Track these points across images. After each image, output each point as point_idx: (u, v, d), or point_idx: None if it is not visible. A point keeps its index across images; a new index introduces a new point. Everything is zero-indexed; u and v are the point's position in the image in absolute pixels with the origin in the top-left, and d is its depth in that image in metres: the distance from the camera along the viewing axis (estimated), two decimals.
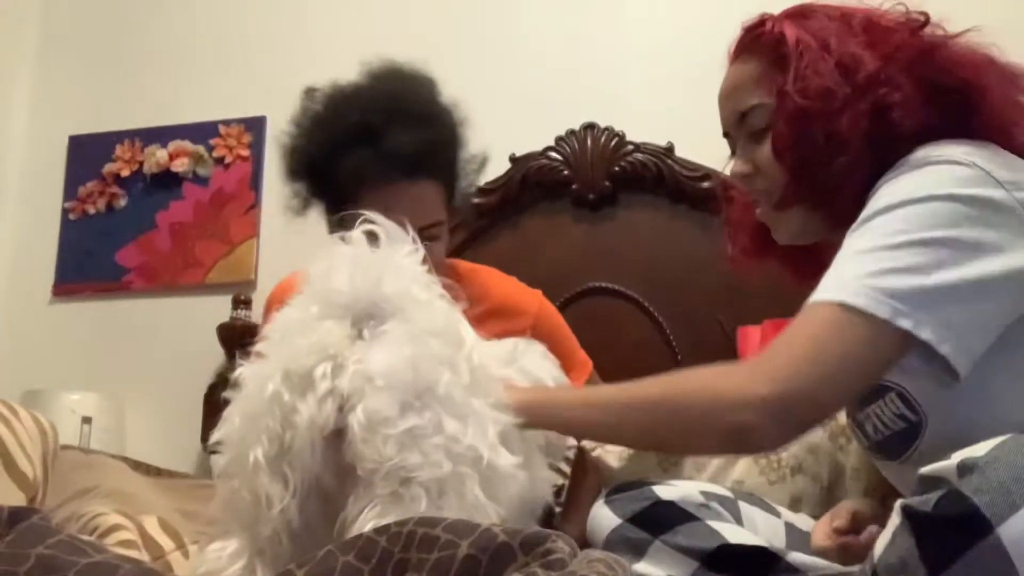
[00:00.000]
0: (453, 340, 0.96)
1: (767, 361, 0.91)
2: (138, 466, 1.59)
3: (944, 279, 0.87)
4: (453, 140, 1.48)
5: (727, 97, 1.12)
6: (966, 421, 0.92)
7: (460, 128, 1.52)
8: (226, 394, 0.96)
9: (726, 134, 1.14)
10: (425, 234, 1.43)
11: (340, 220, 1.39)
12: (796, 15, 1.08)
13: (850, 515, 1.12)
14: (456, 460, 0.87)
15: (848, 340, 0.88)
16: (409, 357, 0.89)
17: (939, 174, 0.92)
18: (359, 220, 1.01)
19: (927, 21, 1.04)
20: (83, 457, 1.58)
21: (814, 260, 1.09)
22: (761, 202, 1.11)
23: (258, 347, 0.97)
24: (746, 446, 1.00)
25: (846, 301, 0.89)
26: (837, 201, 1.02)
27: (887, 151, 0.98)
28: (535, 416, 1.01)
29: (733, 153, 1.14)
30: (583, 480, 1.50)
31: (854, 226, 0.95)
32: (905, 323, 0.87)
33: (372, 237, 1.00)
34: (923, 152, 0.95)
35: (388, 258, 0.98)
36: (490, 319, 1.52)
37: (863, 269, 0.90)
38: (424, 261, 1.03)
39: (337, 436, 0.89)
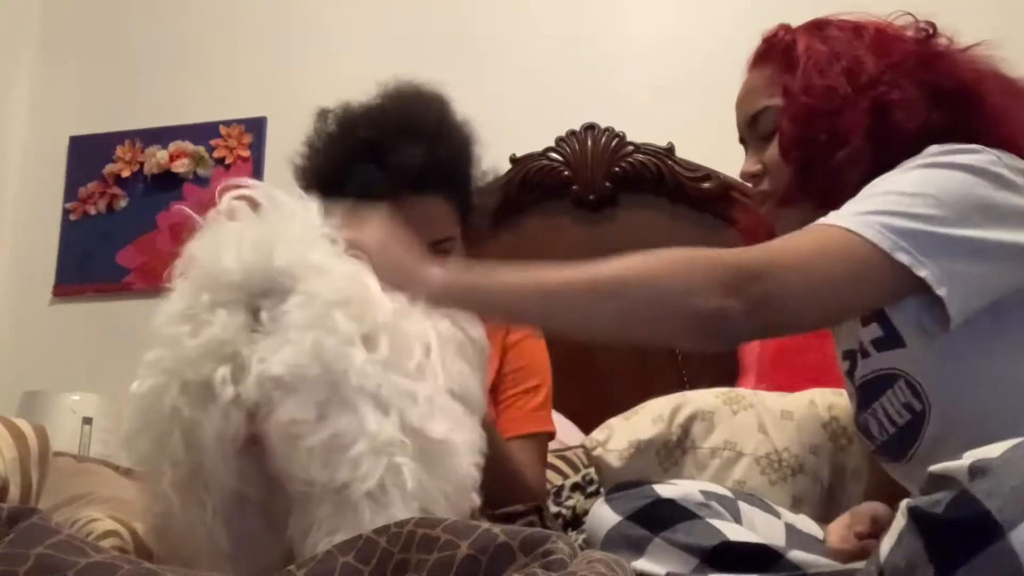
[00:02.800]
0: (360, 308, 0.84)
1: (756, 253, 0.93)
2: (129, 472, 1.59)
3: (949, 232, 0.91)
4: (463, 156, 1.48)
5: (741, 102, 1.17)
6: (967, 406, 0.95)
7: (471, 145, 1.52)
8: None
9: (742, 140, 1.18)
10: (436, 250, 1.44)
11: None
12: (811, 27, 1.13)
13: (871, 519, 1.13)
14: (387, 454, 0.79)
15: (843, 259, 0.91)
16: (312, 348, 0.79)
17: (958, 156, 0.96)
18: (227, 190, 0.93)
19: (935, 32, 1.09)
20: (76, 464, 1.58)
21: None
22: (767, 202, 1.14)
23: (149, 353, 0.87)
24: (717, 333, 0.93)
25: (852, 228, 0.92)
26: (838, 197, 1.03)
27: (888, 150, 1.01)
28: (461, 299, 0.97)
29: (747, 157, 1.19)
30: None
31: (871, 183, 0.98)
32: (904, 258, 0.90)
33: (255, 206, 0.91)
34: (937, 147, 0.99)
35: (277, 225, 0.88)
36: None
37: (872, 206, 0.93)
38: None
39: (252, 444, 0.81)
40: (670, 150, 2.20)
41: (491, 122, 2.32)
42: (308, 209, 0.91)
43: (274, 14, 2.65)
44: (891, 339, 1.02)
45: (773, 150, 1.10)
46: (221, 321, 0.83)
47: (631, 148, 2.22)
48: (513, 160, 2.27)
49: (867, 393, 1.08)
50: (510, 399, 1.50)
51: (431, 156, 1.41)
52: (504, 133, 2.29)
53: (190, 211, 1.02)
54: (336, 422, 0.79)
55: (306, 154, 1.52)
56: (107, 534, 1.08)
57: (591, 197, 2.22)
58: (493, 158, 2.22)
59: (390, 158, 1.40)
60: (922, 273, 0.90)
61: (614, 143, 2.23)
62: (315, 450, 0.78)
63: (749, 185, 1.20)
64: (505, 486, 1.27)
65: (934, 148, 0.99)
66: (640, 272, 0.94)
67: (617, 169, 2.21)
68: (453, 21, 2.50)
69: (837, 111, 1.03)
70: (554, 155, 2.26)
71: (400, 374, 0.83)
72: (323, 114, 1.50)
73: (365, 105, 1.49)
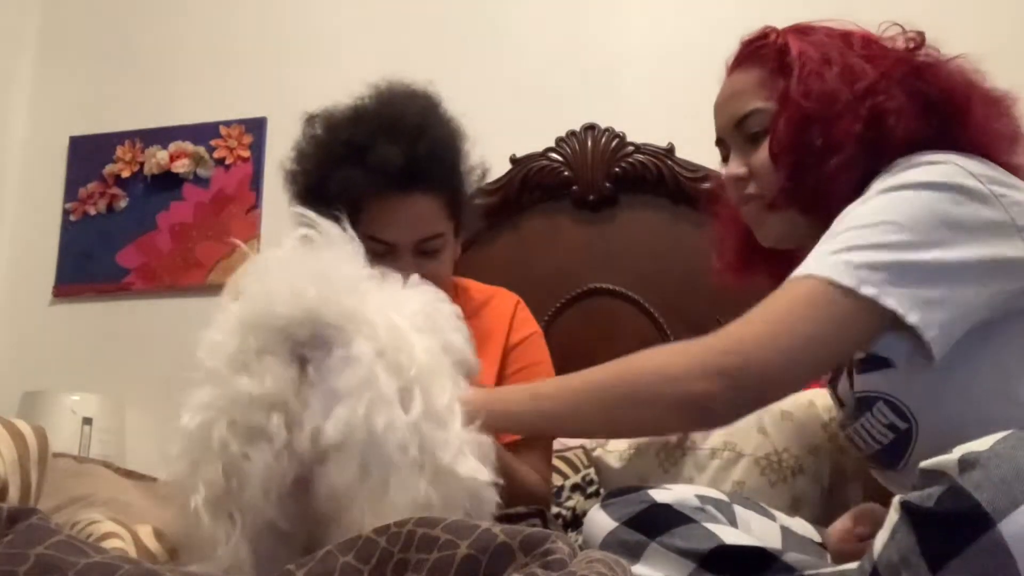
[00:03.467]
0: (397, 359, 0.91)
1: (727, 333, 0.94)
2: (130, 474, 1.58)
3: (917, 257, 0.90)
4: (448, 152, 1.48)
5: (725, 103, 1.15)
6: (956, 421, 0.93)
7: (457, 140, 1.52)
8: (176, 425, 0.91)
9: (719, 141, 1.17)
10: (424, 247, 1.45)
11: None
12: (798, 30, 1.12)
13: (873, 520, 1.13)
14: (424, 506, 0.86)
15: (811, 312, 0.91)
16: (361, 414, 0.86)
17: (916, 171, 0.96)
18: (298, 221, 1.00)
19: (923, 42, 1.08)
20: (76, 466, 1.58)
21: None
22: (751, 204, 1.13)
23: (196, 375, 0.93)
24: (703, 417, 0.99)
25: (815, 273, 0.92)
26: (827, 204, 1.04)
27: (878, 157, 1.02)
28: (487, 420, 1.01)
29: (724, 160, 1.17)
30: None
31: (838, 217, 0.98)
32: (869, 291, 0.89)
33: (309, 240, 0.98)
34: (903, 160, 0.99)
35: (326, 269, 0.94)
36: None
37: (836, 245, 0.93)
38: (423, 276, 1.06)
39: (296, 485, 0.87)
40: (670, 150, 2.20)
41: (491, 122, 2.33)
42: (355, 249, 0.99)
43: (274, 14, 2.65)
44: (874, 361, 1.00)
45: (762, 153, 1.09)
46: (272, 372, 0.89)
47: (631, 148, 2.22)
48: (513, 160, 2.27)
49: (849, 409, 1.07)
50: None
51: (411, 154, 1.41)
52: (504, 133, 2.30)
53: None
54: (380, 476, 0.86)
55: (293, 158, 1.53)
56: (107, 536, 1.08)
57: (591, 197, 2.22)
58: (493, 158, 2.24)
59: (369, 158, 1.41)
60: (888, 303, 0.89)
61: (614, 143, 2.23)
62: (358, 501, 0.85)
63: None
64: (510, 492, 1.27)
65: (900, 161, 0.99)
66: (642, 368, 0.99)
67: (617, 169, 2.21)
68: (453, 21, 2.50)
69: (835, 117, 1.03)
70: (554, 155, 2.26)
71: (433, 422, 0.90)
72: (310, 119, 1.52)
73: (348, 107, 1.50)
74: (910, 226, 0.91)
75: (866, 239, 0.92)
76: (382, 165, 1.40)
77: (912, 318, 0.89)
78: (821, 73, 1.05)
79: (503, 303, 1.62)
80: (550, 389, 1.05)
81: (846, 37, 1.09)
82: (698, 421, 1.02)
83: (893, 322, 0.91)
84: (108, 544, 1.05)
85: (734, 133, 1.14)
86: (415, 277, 1.15)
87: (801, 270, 0.95)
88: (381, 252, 1.45)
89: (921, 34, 1.09)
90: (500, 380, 1.52)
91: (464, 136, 1.54)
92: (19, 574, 0.64)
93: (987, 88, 1.06)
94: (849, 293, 0.90)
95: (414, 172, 1.42)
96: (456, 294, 1.60)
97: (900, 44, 1.09)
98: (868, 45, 1.08)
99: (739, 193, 1.14)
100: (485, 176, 1.61)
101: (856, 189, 1.01)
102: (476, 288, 1.66)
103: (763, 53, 1.12)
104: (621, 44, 2.39)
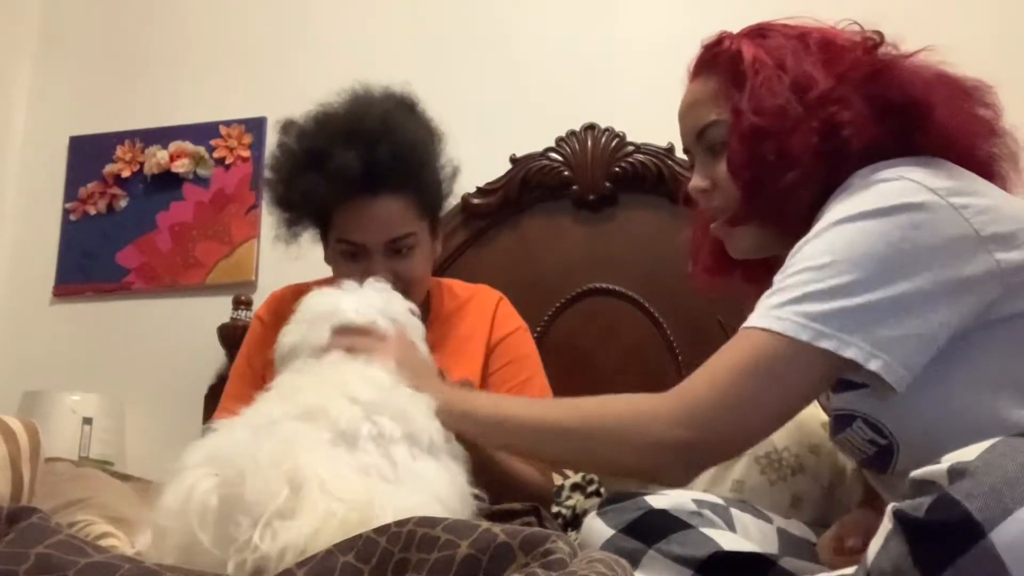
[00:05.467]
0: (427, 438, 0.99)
1: (685, 401, 0.94)
2: (127, 478, 1.59)
3: (870, 298, 0.89)
4: (413, 153, 1.49)
5: (686, 113, 1.14)
6: (936, 435, 0.91)
7: (426, 141, 1.53)
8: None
9: (686, 150, 1.16)
10: (394, 247, 1.46)
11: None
12: (754, 34, 1.10)
13: (863, 531, 1.12)
14: None
15: (770, 368, 0.91)
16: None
17: (867, 195, 0.94)
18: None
19: (881, 41, 1.06)
20: (73, 469, 1.58)
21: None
22: (717, 217, 1.12)
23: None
24: (655, 482, 1.07)
25: (769, 327, 0.91)
26: (787, 218, 1.03)
27: (837, 168, 0.99)
28: (454, 422, 1.06)
29: (691, 168, 1.16)
30: None
31: (791, 252, 0.97)
32: (827, 344, 0.88)
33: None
34: (858, 177, 0.97)
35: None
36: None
37: (788, 295, 0.92)
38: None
39: None
40: (670, 150, 2.20)
41: (491, 122, 2.34)
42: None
43: (274, 14, 2.65)
44: (847, 382, 0.99)
45: (723, 166, 1.08)
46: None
47: (631, 148, 2.22)
48: (513, 160, 2.27)
49: (832, 423, 1.06)
50: (508, 391, 1.50)
51: (371, 158, 1.44)
52: (504, 133, 2.30)
53: None
54: None
55: (268, 165, 1.58)
56: (104, 536, 1.08)
57: (591, 197, 2.22)
58: (493, 158, 2.24)
59: (328, 166, 1.44)
60: (848, 354, 0.88)
61: (614, 143, 2.23)
62: None
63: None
64: (511, 488, 1.27)
65: (855, 178, 0.96)
66: (606, 421, 1.01)
67: (617, 169, 2.21)
68: (453, 21, 2.50)
69: (787, 132, 1.00)
70: (554, 155, 2.26)
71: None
72: (285, 126, 1.55)
73: (314, 114, 1.53)
74: (864, 263, 0.90)
75: (818, 284, 0.90)
76: (341, 172, 1.43)
77: (873, 366, 0.88)
78: (772, 85, 1.02)
79: (485, 300, 1.63)
80: (516, 420, 1.08)
81: (803, 38, 1.06)
82: (651, 482, 1.08)
83: (851, 367, 0.90)
84: (104, 544, 1.05)
85: (695, 144, 1.12)
86: (371, 280, 1.24)
87: (756, 321, 0.93)
88: (353, 253, 1.49)
89: (879, 33, 1.06)
90: (484, 377, 1.53)
91: (437, 136, 1.56)
92: (19, 573, 0.64)
93: (956, 80, 1.03)
94: (806, 348, 0.89)
95: (376, 175, 1.45)
96: (438, 293, 1.61)
97: (858, 43, 1.05)
98: (825, 47, 1.04)
99: (706, 204, 1.13)
100: (456, 174, 1.62)
101: (817, 201, 0.99)
102: (459, 286, 1.68)
103: (718, 61, 1.10)
104: (621, 44, 2.39)
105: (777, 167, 1.01)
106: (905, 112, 1.00)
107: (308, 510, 0.78)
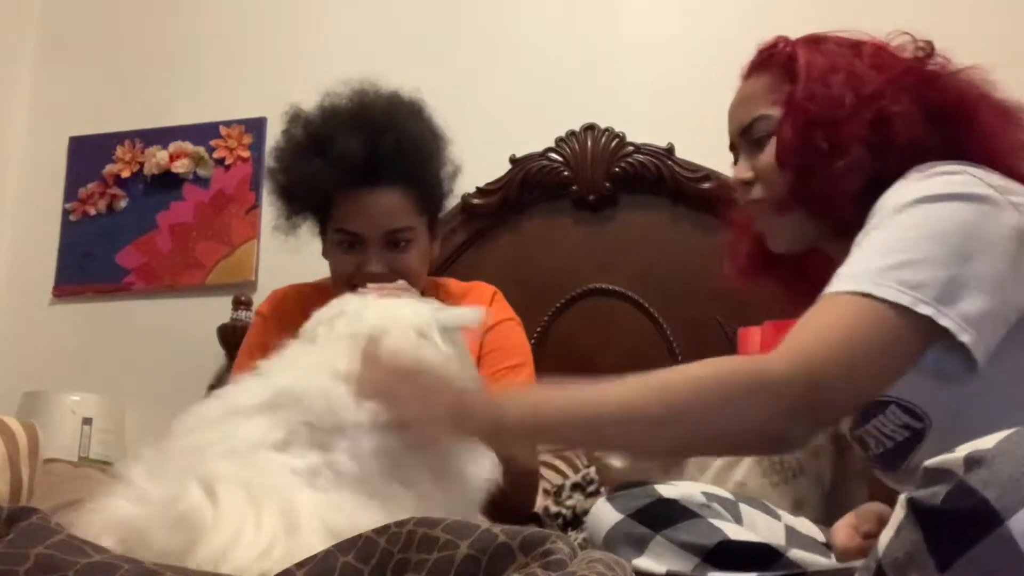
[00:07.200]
0: None
1: (800, 360, 0.90)
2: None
3: (957, 273, 0.90)
4: (417, 149, 1.50)
5: (736, 109, 1.16)
6: (968, 425, 0.91)
7: (430, 139, 1.54)
8: None
9: (732, 146, 1.18)
10: (392, 239, 1.46)
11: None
12: (809, 41, 1.12)
13: (877, 519, 1.13)
14: None
15: (875, 329, 0.89)
16: None
17: (934, 182, 0.96)
18: None
19: (932, 51, 1.08)
20: (72, 470, 1.59)
21: (808, 281, 1.12)
22: (760, 209, 1.13)
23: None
24: (776, 447, 1.02)
25: (869, 291, 0.90)
26: (833, 207, 1.04)
27: (884, 161, 1.01)
28: (533, 435, 1.01)
29: (736, 163, 1.17)
30: None
31: (865, 230, 0.97)
32: (927, 310, 0.88)
33: None
34: (917, 171, 0.98)
35: None
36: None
37: (881, 262, 0.92)
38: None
39: None
40: (670, 150, 2.20)
41: (491, 122, 2.34)
42: None
43: (274, 14, 2.65)
44: None
45: (767, 156, 1.10)
46: None
47: (631, 148, 2.22)
48: (513, 160, 2.27)
49: (859, 413, 1.07)
50: (494, 375, 1.51)
51: (375, 148, 1.44)
52: (504, 133, 2.30)
53: None
54: None
55: (272, 156, 1.58)
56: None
57: (591, 197, 2.22)
58: (493, 158, 2.24)
59: (331, 152, 1.44)
60: (944, 322, 0.88)
61: (614, 143, 2.23)
62: None
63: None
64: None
65: (915, 174, 0.98)
66: (694, 401, 0.91)
67: (617, 169, 2.21)
68: (453, 21, 2.50)
69: (840, 120, 1.03)
70: (554, 155, 2.26)
71: None
72: (292, 117, 1.55)
73: (319, 104, 1.54)
74: (948, 240, 0.91)
75: (910, 254, 0.91)
76: (344, 158, 1.43)
77: (964, 338, 0.88)
78: (827, 78, 1.05)
79: (480, 296, 1.64)
80: (621, 414, 0.94)
81: (856, 47, 1.09)
82: (777, 445, 1.00)
83: (939, 338, 0.90)
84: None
85: (741, 139, 1.15)
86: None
87: (847, 284, 0.92)
88: (351, 244, 1.49)
89: (930, 43, 1.09)
90: (478, 359, 1.53)
91: (442, 138, 1.57)
92: (19, 574, 0.64)
93: (998, 98, 1.06)
94: (906, 313, 0.89)
95: (378, 165, 1.45)
96: (434, 291, 1.61)
97: (910, 53, 1.09)
98: (878, 54, 1.08)
99: (745, 197, 1.15)
100: (456, 174, 1.62)
101: (863, 192, 1.01)
102: (454, 284, 1.69)
103: (772, 61, 1.12)
104: (621, 44, 2.39)
105: (827, 155, 1.03)
106: (952, 119, 1.03)
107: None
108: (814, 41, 1.12)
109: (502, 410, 0.97)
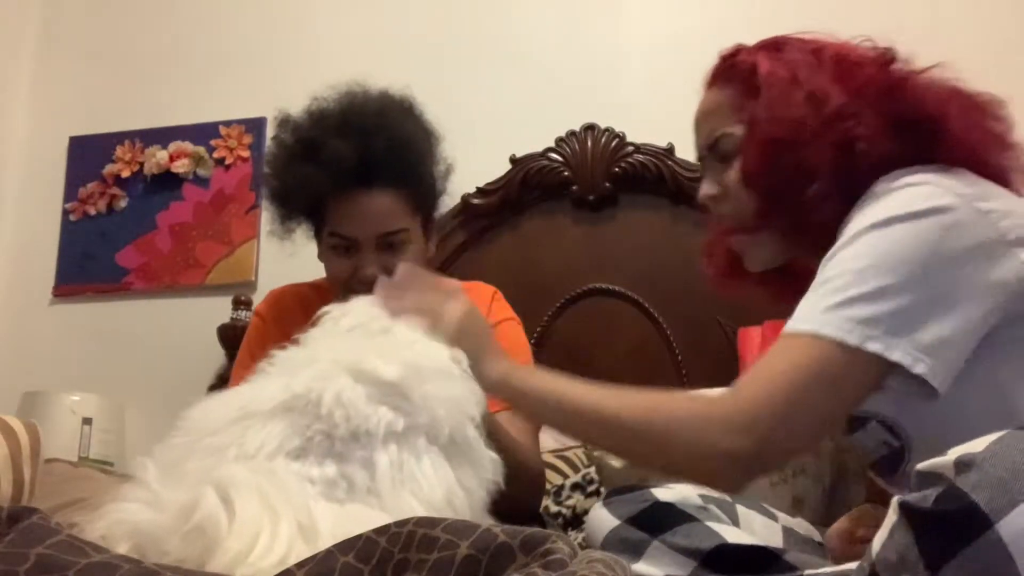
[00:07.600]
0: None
1: (740, 407, 0.92)
2: (126, 478, 1.59)
3: (910, 301, 0.89)
4: (409, 150, 1.49)
5: (700, 122, 1.15)
6: (950, 439, 0.91)
7: (423, 140, 1.53)
8: None
9: (699, 157, 1.17)
10: (387, 241, 1.46)
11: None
12: (770, 47, 1.10)
13: (874, 520, 1.13)
14: None
15: (822, 371, 0.89)
16: None
17: (895, 199, 0.94)
18: None
19: (895, 57, 1.06)
20: (72, 470, 1.59)
21: (790, 283, 1.11)
22: (730, 227, 1.13)
23: None
24: (707, 486, 1.09)
25: (817, 332, 0.90)
26: (807, 230, 1.03)
27: (855, 181, 1.00)
28: (509, 397, 1.07)
29: (703, 176, 1.16)
30: None
31: (826, 257, 0.96)
32: (875, 347, 0.88)
33: None
34: (883, 183, 0.97)
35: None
36: None
37: (832, 299, 0.91)
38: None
39: None
40: (670, 150, 2.20)
41: (491, 122, 2.34)
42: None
43: (274, 14, 2.65)
44: None
45: (733, 174, 1.08)
46: None
47: (631, 148, 2.22)
48: (513, 160, 2.27)
49: (846, 425, 1.06)
50: None
51: (366, 150, 1.44)
52: (504, 133, 2.30)
53: None
54: None
55: (265, 161, 1.59)
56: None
57: (591, 197, 2.22)
58: (493, 158, 2.24)
59: (323, 155, 1.44)
60: (895, 357, 0.88)
61: (614, 143, 2.23)
62: None
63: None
64: (506, 464, 1.27)
65: (881, 186, 0.97)
66: (660, 421, 0.96)
67: (617, 169, 2.21)
68: (453, 21, 2.50)
69: (803, 144, 1.01)
70: (554, 155, 2.26)
71: None
72: (282, 122, 1.54)
73: (310, 108, 1.53)
74: (901, 267, 0.90)
75: (861, 288, 0.90)
76: (335, 162, 1.43)
77: (918, 369, 0.88)
78: (788, 97, 1.03)
79: (480, 295, 1.63)
80: (575, 404, 1.03)
81: (817, 53, 1.07)
82: (711, 486, 1.08)
83: (895, 371, 0.90)
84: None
85: (708, 153, 1.13)
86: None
87: (799, 324, 0.93)
88: (345, 247, 1.48)
89: (891, 49, 1.07)
90: None
91: (433, 136, 1.56)
92: (19, 574, 0.64)
93: (968, 94, 1.04)
94: (855, 351, 0.88)
95: (370, 167, 1.45)
96: None
97: (872, 59, 1.06)
98: (839, 62, 1.05)
99: (716, 211, 1.14)
100: (449, 173, 1.62)
101: (836, 213, 1.00)
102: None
103: (734, 72, 1.11)
104: (621, 44, 2.39)
105: (795, 179, 1.01)
106: (919, 127, 1.00)
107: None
108: (775, 48, 1.09)
109: (499, 352, 1.09)
